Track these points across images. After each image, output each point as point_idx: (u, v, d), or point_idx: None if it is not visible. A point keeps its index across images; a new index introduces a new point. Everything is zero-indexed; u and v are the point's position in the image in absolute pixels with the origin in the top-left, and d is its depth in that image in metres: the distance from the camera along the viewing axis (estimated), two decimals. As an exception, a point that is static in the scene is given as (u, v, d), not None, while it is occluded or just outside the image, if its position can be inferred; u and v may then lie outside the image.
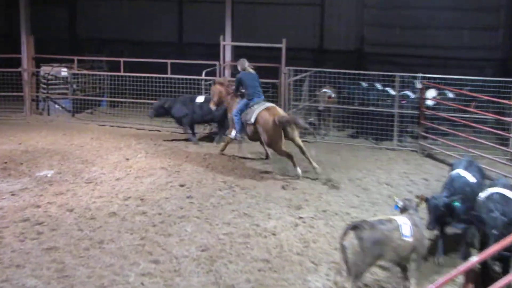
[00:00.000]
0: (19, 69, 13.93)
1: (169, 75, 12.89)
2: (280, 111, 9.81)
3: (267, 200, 8.25)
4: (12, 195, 8.23)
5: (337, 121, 12.76)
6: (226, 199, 8.23)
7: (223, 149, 10.55)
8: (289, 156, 9.50)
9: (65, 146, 10.99)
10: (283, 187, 8.83)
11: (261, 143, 10.12)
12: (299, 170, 9.31)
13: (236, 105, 10.19)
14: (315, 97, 12.49)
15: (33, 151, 10.55)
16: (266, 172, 9.61)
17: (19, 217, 7.40)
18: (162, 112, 11.70)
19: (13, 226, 7.15)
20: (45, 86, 14.05)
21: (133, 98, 13.45)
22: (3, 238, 6.83)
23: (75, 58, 14.03)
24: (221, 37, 12.66)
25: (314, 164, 9.40)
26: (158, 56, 14.54)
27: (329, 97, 12.27)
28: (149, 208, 7.79)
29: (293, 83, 12.16)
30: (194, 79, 12.67)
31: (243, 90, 10.16)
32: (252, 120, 9.74)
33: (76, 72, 13.97)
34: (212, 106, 10.75)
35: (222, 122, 11.55)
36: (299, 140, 9.62)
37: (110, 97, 14.10)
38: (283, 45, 12.04)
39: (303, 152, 9.52)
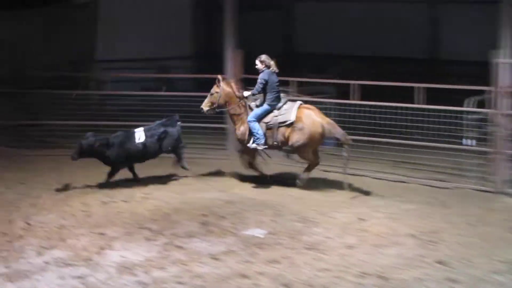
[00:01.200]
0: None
1: (417, 105, 12.76)
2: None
3: None
4: (214, 259, 8.68)
5: None
6: (508, 288, 7.85)
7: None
8: (315, 164, 12.07)
9: (279, 197, 11.44)
10: None
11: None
12: (305, 176, 11.95)
13: (245, 115, 12.06)
14: None
15: (238, 202, 11.14)
16: None
17: (222, 289, 7.80)
18: (90, 154, 12.06)
19: (215, 300, 7.55)
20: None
21: (369, 135, 13.46)
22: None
23: (293, 80, 14.51)
24: (496, 52, 12.22)
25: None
26: (400, 77, 14.46)
27: None
28: (395, 292, 7.72)
29: None
30: (454, 112, 12.39)
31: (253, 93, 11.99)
32: (292, 118, 11.74)
33: (295, 98, 14.36)
34: (206, 108, 12.31)
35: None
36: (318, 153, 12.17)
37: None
38: None
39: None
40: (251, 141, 12.00)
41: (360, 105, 13.43)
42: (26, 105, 15.74)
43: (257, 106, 12.09)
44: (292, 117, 11.82)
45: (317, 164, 12.18)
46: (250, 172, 12.63)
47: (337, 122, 14.20)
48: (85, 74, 19.27)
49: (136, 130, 12.39)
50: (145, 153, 12.33)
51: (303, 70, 17.82)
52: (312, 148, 12.00)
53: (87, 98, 16.43)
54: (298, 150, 12.02)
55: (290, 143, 11.92)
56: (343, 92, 14.35)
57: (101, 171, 12.25)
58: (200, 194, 11.71)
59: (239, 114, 12.31)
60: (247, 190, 11.98)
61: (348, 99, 13.66)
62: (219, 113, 14.40)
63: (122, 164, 12.34)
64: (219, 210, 10.68)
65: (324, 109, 14.43)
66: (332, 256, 8.75)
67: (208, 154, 14.55)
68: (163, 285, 7.89)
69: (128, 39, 20.58)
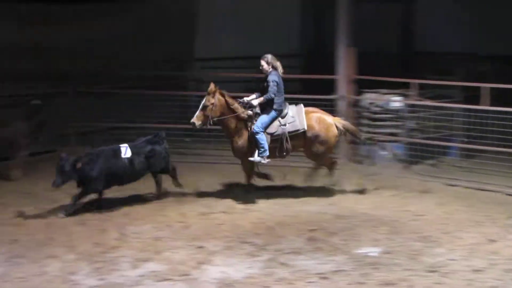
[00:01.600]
0: (334, 96, 14.80)
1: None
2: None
3: None
4: (322, 278, 8.73)
5: None
6: None
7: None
8: (334, 164, 12.77)
9: (395, 213, 11.43)
10: None
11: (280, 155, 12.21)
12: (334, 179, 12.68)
13: (243, 127, 12.05)
14: None
15: (349, 216, 11.21)
16: None
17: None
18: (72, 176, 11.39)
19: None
20: (369, 121, 14.79)
21: (502, 146, 13.36)
22: None
23: (414, 82, 14.40)
24: None
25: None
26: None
27: None
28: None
29: None
30: None
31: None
32: (304, 126, 12.01)
33: (415, 103, 14.38)
34: (198, 122, 12.00)
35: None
36: None
37: (465, 142, 14.22)
38: None
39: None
40: (255, 154, 12.00)
41: (492, 112, 13.19)
42: (120, 106, 16.12)
43: (257, 114, 12.12)
44: (303, 125, 12.10)
45: (334, 163, 12.86)
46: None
47: (463, 130, 14.13)
48: (184, 73, 19.64)
49: (121, 145, 11.93)
50: (132, 171, 11.89)
51: (424, 71, 17.57)
52: (330, 152, 12.68)
53: (186, 99, 16.68)
54: (317, 158, 12.57)
55: (308, 154, 12.51)
56: (471, 96, 14.21)
57: (199, 179, 12.51)
58: (307, 206, 11.85)
59: (236, 126, 12.20)
60: (360, 203, 12.01)
61: (476, 104, 13.47)
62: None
63: (104, 184, 11.73)
64: (328, 225, 10.76)
65: (450, 115, 14.33)
66: (456, 281, 8.65)
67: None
68: (266, 305, 8.04)
69: (230, 35, 20.76)
